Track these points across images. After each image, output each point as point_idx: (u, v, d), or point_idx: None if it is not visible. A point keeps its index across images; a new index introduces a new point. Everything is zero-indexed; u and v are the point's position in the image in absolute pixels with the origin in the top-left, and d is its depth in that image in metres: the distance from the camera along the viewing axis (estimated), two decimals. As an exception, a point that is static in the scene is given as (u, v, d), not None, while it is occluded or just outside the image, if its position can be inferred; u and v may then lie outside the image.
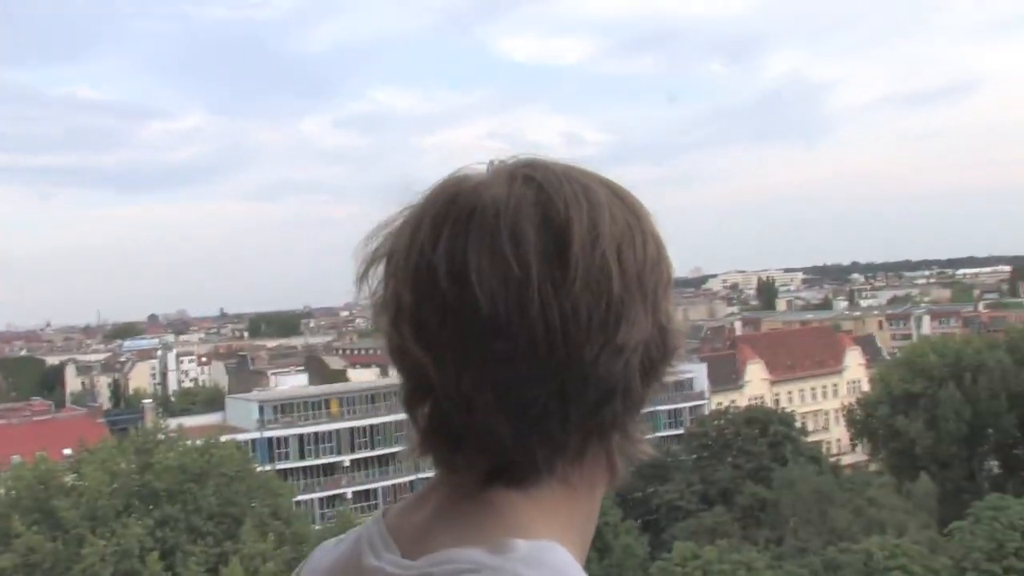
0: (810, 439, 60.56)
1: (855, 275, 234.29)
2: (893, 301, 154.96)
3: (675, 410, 69.50)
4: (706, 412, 64.64)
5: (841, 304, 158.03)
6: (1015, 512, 35.99)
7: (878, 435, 58.07)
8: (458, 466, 1.01)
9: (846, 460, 65.03)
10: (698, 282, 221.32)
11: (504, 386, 0.94)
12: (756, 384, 76.03)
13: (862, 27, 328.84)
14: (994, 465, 56.89)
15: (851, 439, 65.91)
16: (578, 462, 1.01)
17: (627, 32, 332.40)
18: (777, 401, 71.23)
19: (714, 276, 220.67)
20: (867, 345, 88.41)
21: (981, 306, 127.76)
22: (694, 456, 53.82)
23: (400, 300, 0.99)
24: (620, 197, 1.02)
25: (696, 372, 73.03)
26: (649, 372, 1.01)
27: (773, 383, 76.24)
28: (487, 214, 0.95)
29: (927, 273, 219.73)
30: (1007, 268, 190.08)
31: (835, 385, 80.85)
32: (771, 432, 52.55)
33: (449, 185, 1.01)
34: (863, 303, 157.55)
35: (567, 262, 0.94)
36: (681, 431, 61.75)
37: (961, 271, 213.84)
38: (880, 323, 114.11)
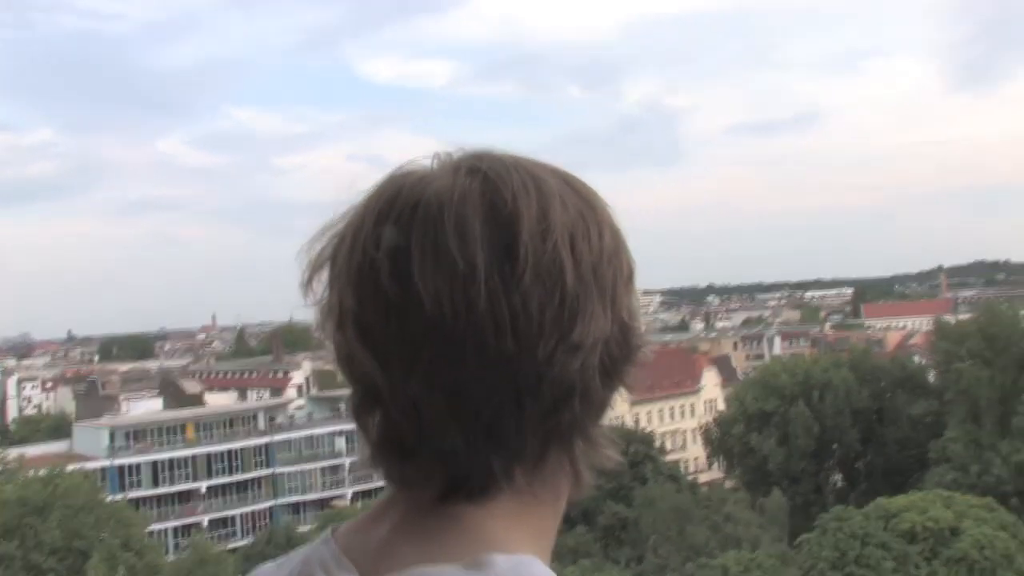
0: (669, 458, 61.97)
1: (711, 297, 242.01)
2: (747, 322, 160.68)
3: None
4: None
5: (698, 326, 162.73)
6: (856, 522, 37.59)
7: (733, 453, 59.75)
8: (412, 480, 0.95)
9: (703, 478, 66.56)
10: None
11: (453, 389, 0.89)
12: (616, 405, 76.63)
13: (715, 58, 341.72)
14: (839, 479, 59.40)
15: (708, 457, 67.53)
16: (539, 470, 0.95)
17: (488, 56, 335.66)
18: (637, 421, 72.49)
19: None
20: (723, 365, 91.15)
21: (827, 327, 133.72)
22: (557, 476, 53.99)
23: (344, 303, 0.94)
24: (573, 187, 0.96)
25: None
26: (610, 372, 0.95)
27: (633, 404, 77.44)
28: (430, 208, 0.90)
29: (778, 295, 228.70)
30: (850, 290, 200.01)
31: (692, 405, 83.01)
32: (631, 452, 53.33)
33: (392, 181, 0.96)
34: (719, 324, 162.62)
35: (516, 255, 0.88)
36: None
37: (809, 293, 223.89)
38: (735, 344, 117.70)
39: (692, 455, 76.20)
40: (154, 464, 60.04)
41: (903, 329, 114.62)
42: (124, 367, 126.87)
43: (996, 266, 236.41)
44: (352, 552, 0.96)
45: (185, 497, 60.37)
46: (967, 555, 34.94)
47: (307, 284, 0.99)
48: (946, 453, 48.63)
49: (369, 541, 0.96)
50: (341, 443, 64.68)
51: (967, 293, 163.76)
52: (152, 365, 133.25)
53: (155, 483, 59.65)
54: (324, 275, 0.98)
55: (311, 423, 69.22)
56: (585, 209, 0.95)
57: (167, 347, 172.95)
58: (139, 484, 58.71)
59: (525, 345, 0.88)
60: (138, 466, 59.53)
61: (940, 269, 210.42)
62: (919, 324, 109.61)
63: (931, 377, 59.34)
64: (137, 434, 61.87)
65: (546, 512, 0.99)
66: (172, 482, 60.11)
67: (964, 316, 71.77)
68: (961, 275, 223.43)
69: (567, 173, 0.98)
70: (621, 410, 76.02)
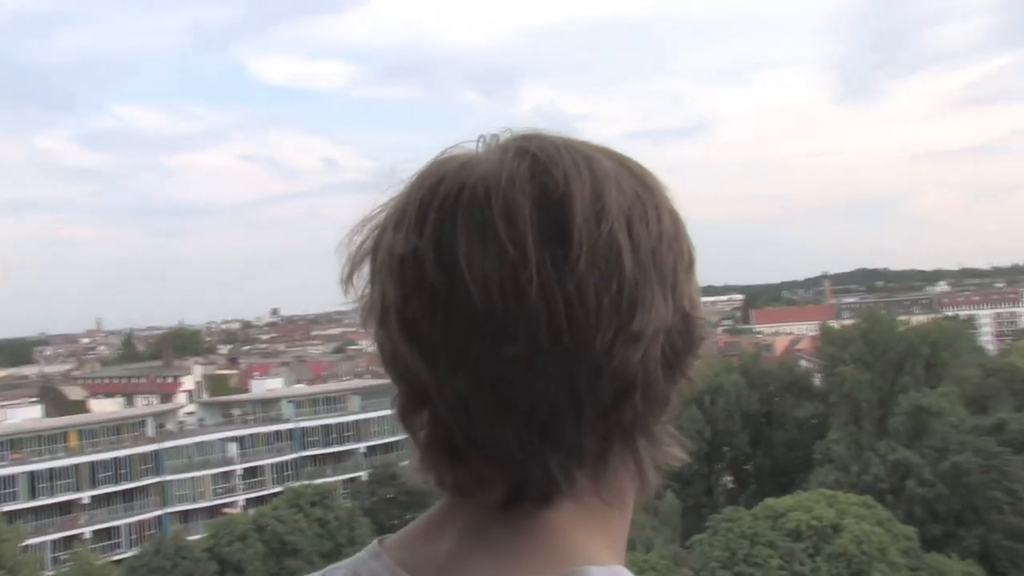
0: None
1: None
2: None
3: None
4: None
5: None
6: (745, 523, 38.57)
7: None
8: (466, 486, 0.88)
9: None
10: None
11: (505, 385, 0.82)
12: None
13: (610, 66, 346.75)
14: (729, 480, 60.81)
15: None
16: (601, 471, 0.88)
17: (386, 59, 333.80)
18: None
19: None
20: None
21: (719, 332, 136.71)
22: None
23: (386, 297, 0.87)
24: (628, 168, 0.90)
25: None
26: (672, 365, 0.89)
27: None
28: (477, 192, 0.84)
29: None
30: (740, 297, 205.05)
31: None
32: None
33: (435, 166, 0.89)
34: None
35: (569, 239, 0.82)
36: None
37: (703, 299, 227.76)
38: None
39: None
40: (32, 475, 57.58)
41: (791, 334, 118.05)
42: (0, 373, 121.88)
43: (876, 274, 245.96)
44: (411, 567, 0.89)
45: (66, 508, 58.14)
46: (847, 550, 36.20)
47: (347, 280, 0.92)
48: (830, 454, 50.24)
49: (431, 555, 0.89)
50: (233, 449, 63.38)
51: (850, 299, 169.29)
52: (31, 371, 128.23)
53: (33, 495, 57.18)
54: (365, 270, 0.91)
55: (202, 429, 67.58)
56: (642, 191, 0.88)
57: (48, 352, 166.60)
58: (15, 496, 56.25)
59: (581, 336, 0.81)
60: (13, 477, 57.06)
61: (825, 276, 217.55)
62: (806, 329, 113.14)
63: (817, 381, 61.30)
64: (13, 443, 59.24)
65: (614, 517, 0.93)
66: (52, 493, 57.72)
67: (847, 322, 74.24)
68: (844, 282, 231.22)
69: (621, 154, 0.92)
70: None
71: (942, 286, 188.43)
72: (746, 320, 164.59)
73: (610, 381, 0.83)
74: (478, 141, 0.91)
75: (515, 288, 0.80)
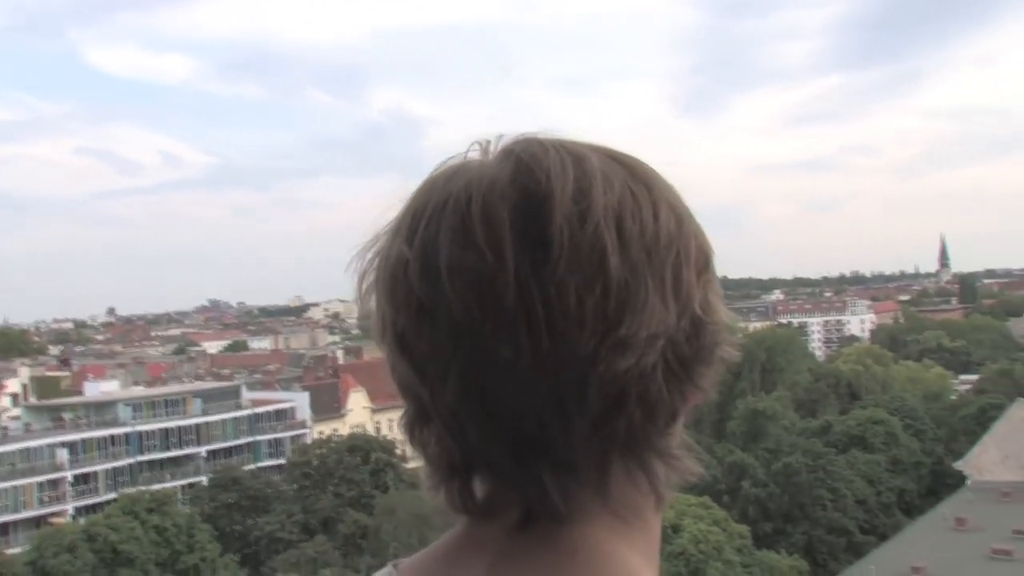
0: (411, 465, 62.29)
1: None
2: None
3: (276, 440, 68.57)
4: (308, 441, 63.99)
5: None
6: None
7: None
8: (474, 507, 0.86)
9: (444, 484, 67.32)
10: (300, 310, 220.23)
11: (491, 396, 0.79)
12: (358, 412, 76.68)
13: (459, 70, 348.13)
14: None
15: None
16: (603, 487, 0.83)
17: (231, 54, 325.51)
18: (379, 429, 72.26)
19: (316, 305, 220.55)
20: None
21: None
22: (295, 486, 53.23)
23: (384, 311, 0.86)
24: (623, 164, 0.85)
25: (298, 401, 72.57)
26: (678, 373, 0.83)
27: (375, 411, 77.24)
28: (460, 200, 0.81)
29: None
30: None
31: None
32: (373, 460, 53.22)
33: (430, 178, 0.87)
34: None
35: (549, 241, 0.78)
36: (283, 461, 60.82)
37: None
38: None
39: (434, 462, 76.78)
40: None
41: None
42: None
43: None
44: None
45: None
46: (685, 550, 37.35)
47: (359, 298, 0.89)
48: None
49: None
50: (63, 455, 60.29)
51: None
52: None
53: None
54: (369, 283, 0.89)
55: (28, 434, 64.01)
56: (636, 188, 0.83)
57: None
58: None
59: (563, 342, 0.77)
60: None
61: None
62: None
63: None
64: None
65: (637, 537, 0.88)
66: None
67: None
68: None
69: (617, 152, 0.87)
70: (363, 417, 75.81)
71: (777, 294, 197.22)
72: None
73: (598, 390, 0.79)
74: (470, 148, 0.88)
75: (493, 294, 0.78)
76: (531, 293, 0.77)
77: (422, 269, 0.81)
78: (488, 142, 0.88)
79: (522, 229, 0.79)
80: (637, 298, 0.79)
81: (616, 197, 0.81)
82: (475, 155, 0.87)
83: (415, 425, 0.87)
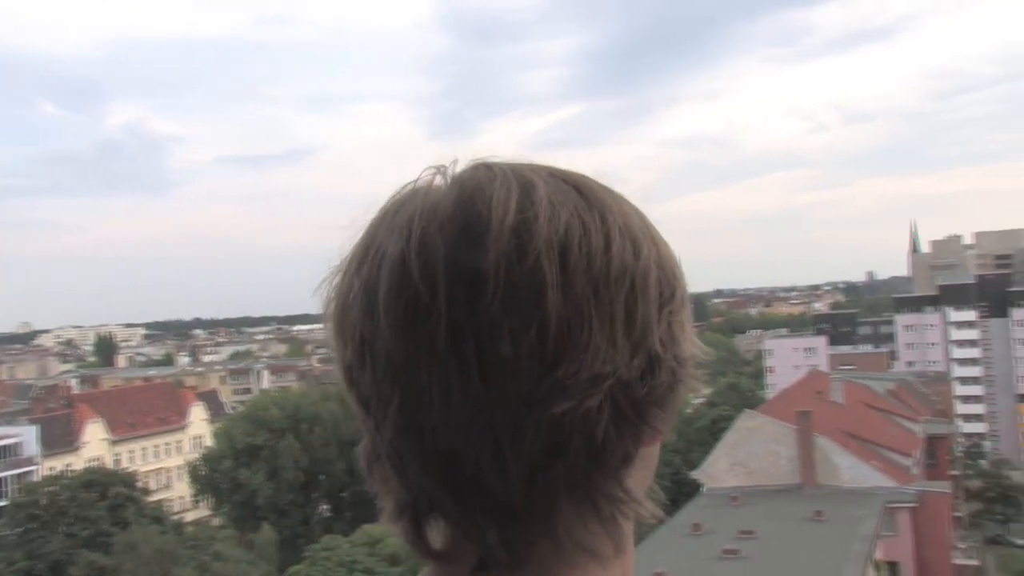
0: (154, 498, 59.16)
1: (198, 331, 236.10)
2: (235, 356, 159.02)
3: None
4: (36, 479, 59.30)
5: (184, 360, 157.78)
6: (343, 550, 38.74)
7: (222, 489, 58.58)
8: (422, 547, 0.81)
9: (191, 517, 64.42)
10: (27, 338, 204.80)
11: (428, 435, 0.76)
12: (95, 445, 72.11)
13: (205, 87, 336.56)
14: (326, 509, 60.83)
15: (195, 495, 65.52)
16: (548, 531, 0.78)
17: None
18: (118, 461, 68.27)
19: (47, 331, 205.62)
20: (210, 400, 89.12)
21: (315, 360, 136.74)
22: (20, 529, 49.05)
23: (335, 344, 0.83)
24: (580, 189, 0.80)
25: (24, 435, 67.18)
26: (629, 415, 0.77)
27: (114, 443, 72.98)
28: (403, 232, 0.77)
29: (268, 329, 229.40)
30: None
31: (179, 442, 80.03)
32: (111, 495, 50.10)
33: (385, 205, 0.83)
34: (206, 359, 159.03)
35: (483, 277, 0.74)
36: (4, 503, 55.98)
37: (297, 327, 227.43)
38: (223, 378, 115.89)
39: (179, 494, 73.41)
40: None
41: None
42: None
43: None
44: None
45: None
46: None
47: (325, 326, 0.86)
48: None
49: None
50: None
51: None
52: None
53: None
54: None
55: None
56: (588, 215, 0.78)
57: None
58: None
59: (496, 384, 0.73)
60: None
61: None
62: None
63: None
64: None
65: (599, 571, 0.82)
66: None
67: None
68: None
69: (575, 175, 0.82)
70: (101, 450, 71.22)
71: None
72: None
73: (534, 434, 0.74)
74: (422, 173, 0.83)
75: (426, 333, 0.74)
76: (463, 333, 0.73)
77: (364, 303, 0.78)
78: (445, 166, 0.83)
79: (457, 264, 0.74)
80: (579, 338, 0.74)
81: (562, 227, 0.76)
82: (439, 180, 0.82)
83: (370, 460, 0.83)
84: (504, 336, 0.73)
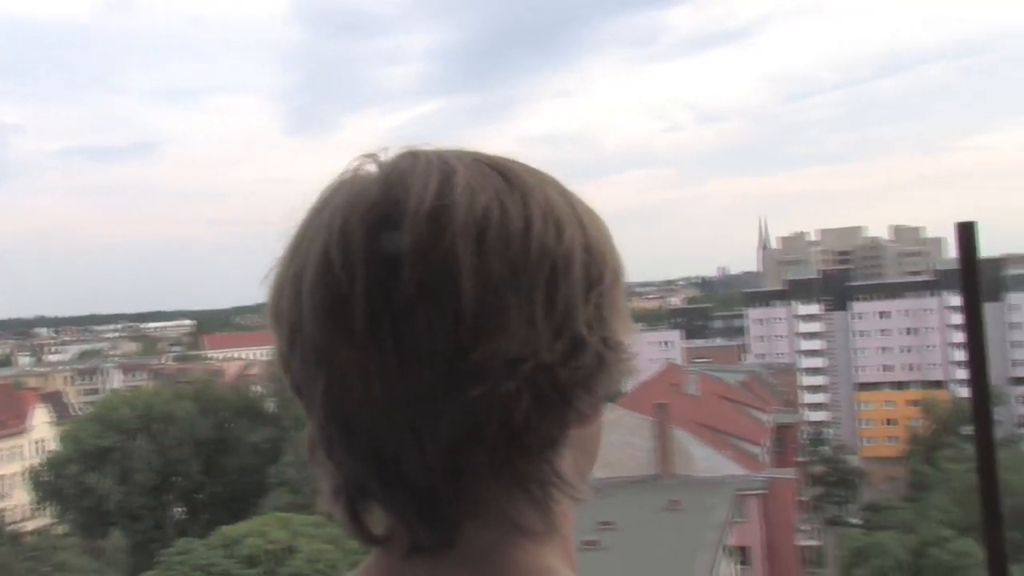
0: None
1: (40, 329, 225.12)
2: (83, 355, 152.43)
3: None
4: None
5: (25, 360, 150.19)
6: (199, 553, 37.64)
7: (67, 495, 56.10)
8: (356, 531, 0.82)
9: (32, 526, 61.46)
10: None
11: (352, 421, 0.77)
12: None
13: (49, 77, 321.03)
14: (181, 511, 59.04)
15: (37, 503, 62.50)
16: (472, 514, 0.78)
17: None
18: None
19: None
20: (55, 402, 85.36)
21: (168, 358, 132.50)
22: None
23: (271, 331, 0.84)
24: (502, 173, 0.80)
25: None
26: (551, 398, 0.77)
27: (-54, 450, 68.87)
28: (327, 224, 0.79)
29: (117, 327, 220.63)
30: (190, 322, 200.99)
31: (20, 447, 76.11)
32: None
33: (320, 194, 0.83)
34: (50, 358, 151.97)
35: (399, 263, 0.74)
36: None
37: (150, 324, 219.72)
38: (69, 378, 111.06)
39: (19, 502, 69.82)
40: None
41: (242, 359, 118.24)
42: None
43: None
44: None
45: None
46: (300, 571, 36.95)
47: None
48: (283, 477, 51.03)
49: None
50: None
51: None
52: None
53: None
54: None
55: None
56: (508, 198, 0.78)
57: None
58: None
59: (413, 369, 0.74)
60: None
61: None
62: (258, 354, 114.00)
63: (271, 405, 61.91)
64: None
65: (527, 559, 0.81)
66: None
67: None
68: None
69: (500, 159, 0.82)
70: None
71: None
72: (197, 346, 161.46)
73: (451, 418, 0.74)
74: (353, 161, 0.84)
75: (345, 320, 0.75)
76: (380, 317, 0.74)
77: (292, 292, 0.79)
78: (376, 154, 0.83)
79: (375, 251, 0.75)
80: (496, 321, 0.74)
81: (480, 211, 0.76)
82: (369, 168, 0.82)
83: (312, 444, 0.83)
84: (420, 320, 0.74)
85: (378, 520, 0.82)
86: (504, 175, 0.80)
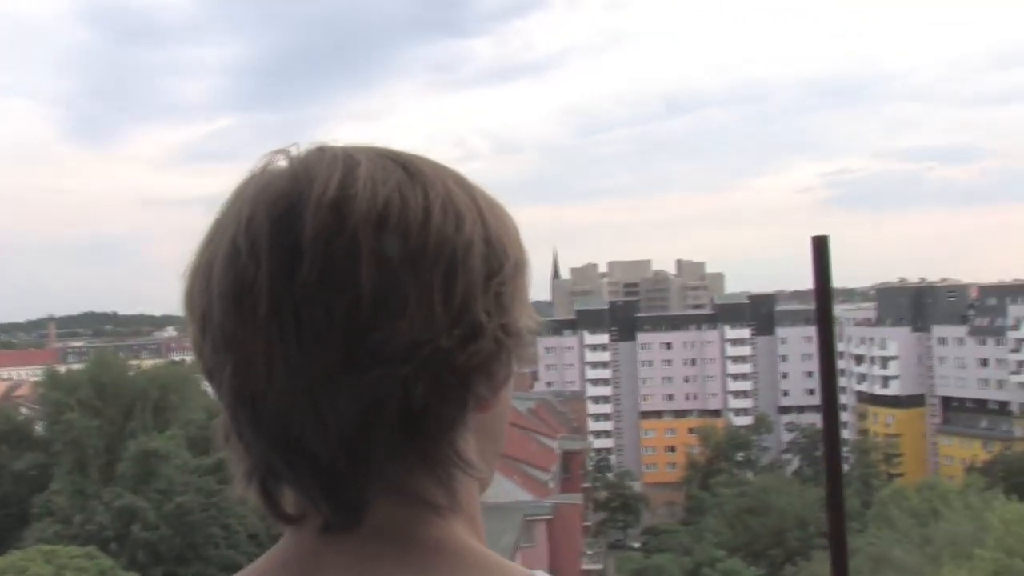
0: None
1: None
2: None
3: None
4: None
5: None
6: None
7: None
8: (270, 509, 0.85)
9: None
10: None
11: (257, 403, 0.80)
12: None
13: None
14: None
15: None
16: (375, 493, 0.82)
17: None
18: None
19: None
20: None
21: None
22: None
23: (186, 319, 0.87)
24: (405, 166, 0.84)
25: None
26: (449, 382, 0.81)
27: None
28: (236, 215, 0.83)
29: None
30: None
31: None
32: None
33: (235, 188, 0.87)
34: None
35: (301, 251, 0.78)
36: None
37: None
38: None
39: None
40: None
41: (9, 380, 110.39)
42: None
43: (106, 317, 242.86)
44: None
45: None
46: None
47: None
48: (50, 506, 47.80)
49: None
50: None
51: (77, 343, 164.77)
52: None
53: None
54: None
55: None
56: (409, 190, 0.82)
57: None
58: None
59: (311, 354, 0.78)
60: None
61: (50, 319, 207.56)
62: (27, 375, 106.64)
63: (40, 429, 58.04)
64: None
65: (432, 534, 0.86)
66: None
67: (75, 366, 71.86)
68: (71, 325, 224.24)
69: (404, 153, 0.87)
70: None
71: (170, 331, 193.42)
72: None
73: (349, 400, 0.78)
74: (266, 156, 0.87)
75: (250, 305, 0.79)
76: (283, 303, 0.78)
77: (203, 282, 0.83)
78: (288, 150, 0.87)
79: (279, 240, 0.79)
80: (394, 307, 0.78)
81: (382, 201, 0.80)
82: (279, 162, 0.86)
83: (226, 430, 0.86)
84: (320, 305, 0.77)
85: (290, 501, 0.85)
86: (406, 168, 0.83)
